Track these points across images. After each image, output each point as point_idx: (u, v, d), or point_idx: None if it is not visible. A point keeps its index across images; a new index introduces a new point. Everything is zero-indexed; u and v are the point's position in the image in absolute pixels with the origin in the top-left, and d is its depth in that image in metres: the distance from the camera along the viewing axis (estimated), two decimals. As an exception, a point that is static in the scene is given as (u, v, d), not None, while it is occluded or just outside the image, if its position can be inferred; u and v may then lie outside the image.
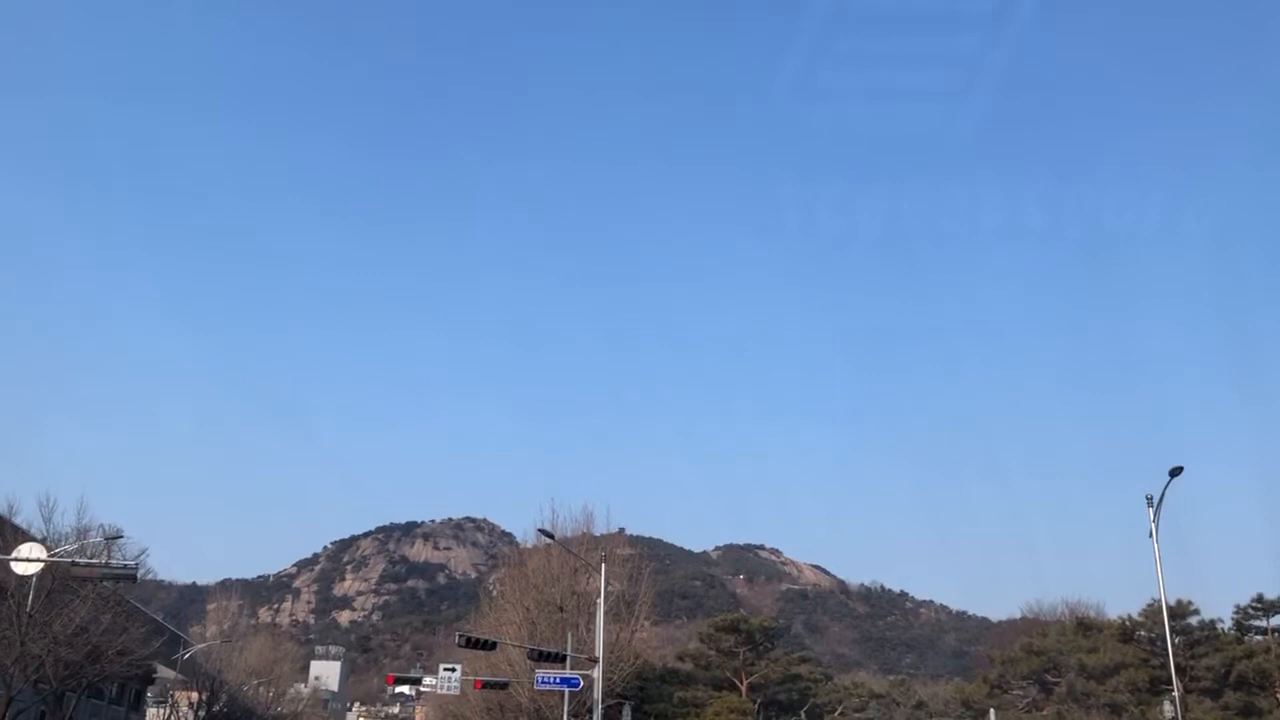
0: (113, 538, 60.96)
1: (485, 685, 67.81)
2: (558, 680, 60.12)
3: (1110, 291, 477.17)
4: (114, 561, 45.57)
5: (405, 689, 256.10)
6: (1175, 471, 47.07)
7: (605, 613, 79.95)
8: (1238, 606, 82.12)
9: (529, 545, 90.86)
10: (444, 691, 69.42)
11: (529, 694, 72.29)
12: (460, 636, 52.91)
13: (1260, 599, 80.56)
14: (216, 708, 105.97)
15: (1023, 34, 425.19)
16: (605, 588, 68.77)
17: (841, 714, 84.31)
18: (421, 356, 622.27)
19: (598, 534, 79.40)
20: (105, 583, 51.39)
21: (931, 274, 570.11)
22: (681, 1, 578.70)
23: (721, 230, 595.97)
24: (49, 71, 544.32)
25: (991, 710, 68.72)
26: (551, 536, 65.16)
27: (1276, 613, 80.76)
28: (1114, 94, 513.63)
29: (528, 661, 66.44)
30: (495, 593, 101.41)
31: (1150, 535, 49.01)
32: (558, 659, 60.27)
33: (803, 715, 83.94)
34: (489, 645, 56.64)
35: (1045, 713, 72.37)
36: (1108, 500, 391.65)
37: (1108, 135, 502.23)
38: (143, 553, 67.54)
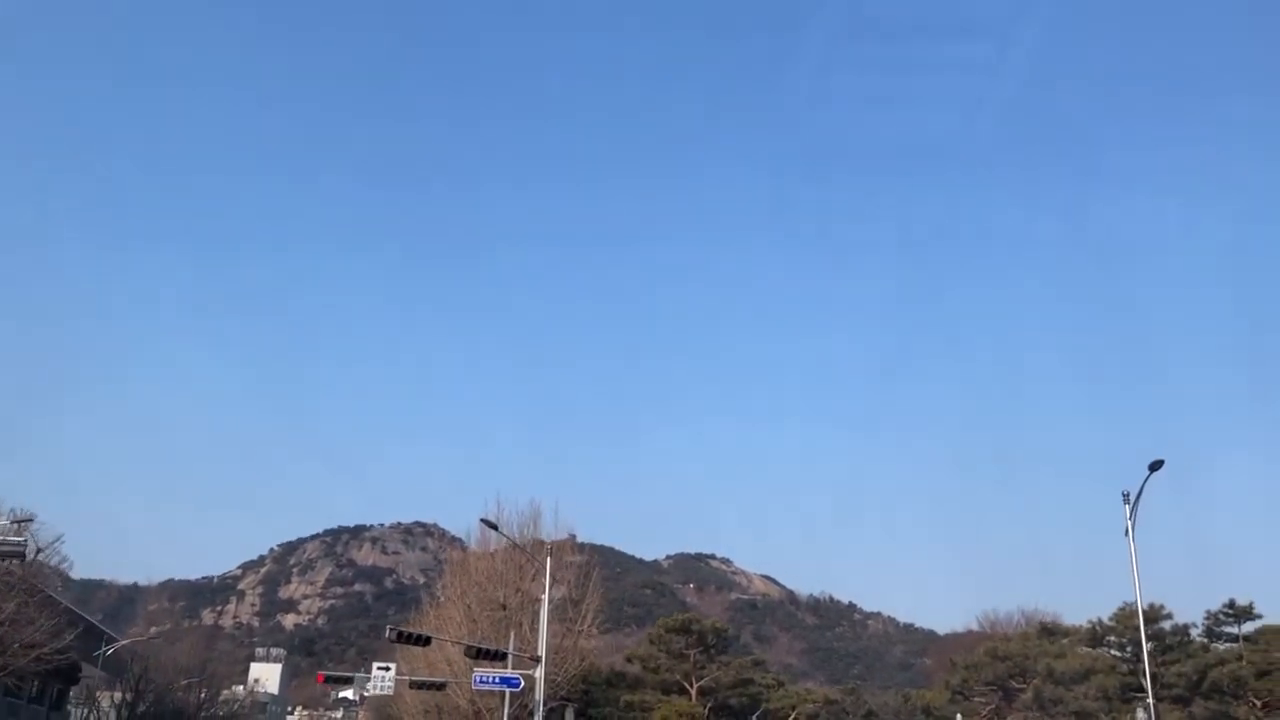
0: (23, 520, 57.11)
1: (419, 685, 64.43)
2: (497, 680, 56.84)
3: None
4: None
5: (349, 693, 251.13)
6: (1155, 466, 44.57)
7: (551, 613, 76.91)
8: (1209, 612, 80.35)
9: (474, 545, 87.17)
10: (377, 692, 66.11)
11: (468, 696, 69.03)
12: (392, 631, 49.43)
13: (1232, 605, 78.73)
14: (142, 708, 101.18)
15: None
16: (550, 583, 65.69)
17: (795, 719, 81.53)
18: (376, 358, 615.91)
19: (547, 535, 76.01)
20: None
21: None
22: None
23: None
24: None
25: (958, 715, 66.10)
26: (495, 526, 61.96)
27: (1249, 619, 79.03)
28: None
29: (468, 662, 63.18)
30: (441, 597, 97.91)
31: (1126, 533, 46.58)
32: (498, 657, 56.93)
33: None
34: (423, 641, 53.12)
35: (1009, 720, 70.03)
36: (1084, 504, 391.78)
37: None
38: (57, 539, 63.51)
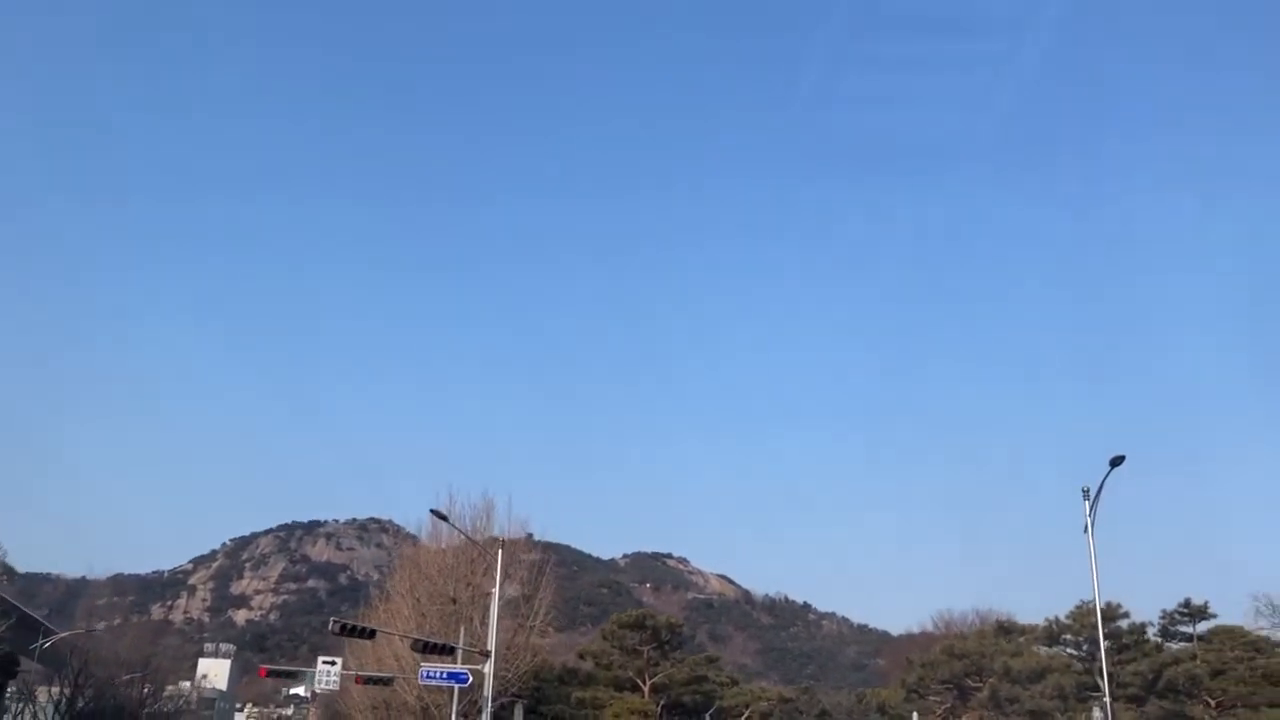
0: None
1: (366, 681, 62.83)
2: (444, 675, 55.30)
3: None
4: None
5: (301, 690, 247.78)
6: (1116, 461, 43.66)
7: (503, 609, 75.32)
8: (1164, 611, 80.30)
9: (426, 539, 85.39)
10: (322, 687, 64.22)
11: (416, 691, 67.50)
12: (336, 623, 47.72)
13: (1188, 604, 78.66)
14: (81, 703, 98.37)
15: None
16: (501, 578, 64.30)
17: (747, 718, 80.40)
18: (335, 353, 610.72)
19: (500, 528, 74.58)
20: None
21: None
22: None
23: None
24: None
25: (914, 713, 65.31)
26: (444, 518, 60.20)
27: (1203, 619, 79.00)
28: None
29: (417, 657, 61.67)
30: (391, 591, 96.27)
31: (1085, 530, 45.82)
32: (446, 652, 55.34)
33: (708, 718, 79.91)
34: (368, 634, 51.57)
35: (965, 720, 69.35)
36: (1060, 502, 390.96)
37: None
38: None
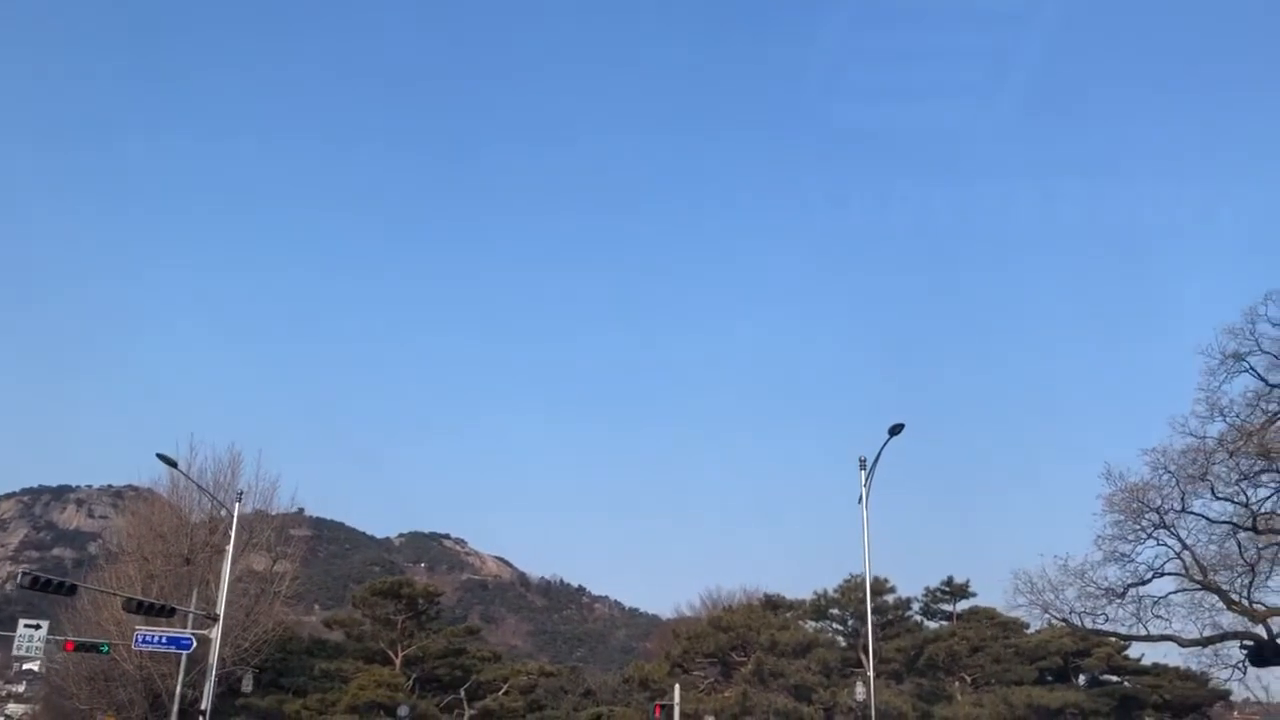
0: None
1: (77, 647, 55.81)
2: (163, 640, 49.36)
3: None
4: None
5: (35, 666, 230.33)
6: (895, 430, 42.13)
7: (248, 576, 69.34)
8: (927, 589, 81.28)
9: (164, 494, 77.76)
10: (22, 653, 56.76)
11: (138, 660, 60.90)
12: (25, 575, 41.15)
13: (950, 582, 79.68)
14: None
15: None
16: (242, 537, 58.70)
17: (506, 693, 76.64)
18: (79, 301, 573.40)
19: (247, 484, 68.39)
20: None
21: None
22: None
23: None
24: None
25: (676, 686, 63.02)
26: (173, 463, 53.83)
27: (963, 598, 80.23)
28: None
29: (132, 620, 55.18)
30: (116, 549, 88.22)
31: (860, 501, 44.12)
32: (164, 614, 49.26)
33: (463, 693, 75.72)
34: (66, 589, 45.13)
35: (727, 694, 67.51)
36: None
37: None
38: None
